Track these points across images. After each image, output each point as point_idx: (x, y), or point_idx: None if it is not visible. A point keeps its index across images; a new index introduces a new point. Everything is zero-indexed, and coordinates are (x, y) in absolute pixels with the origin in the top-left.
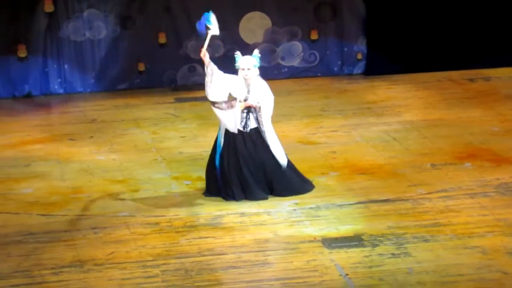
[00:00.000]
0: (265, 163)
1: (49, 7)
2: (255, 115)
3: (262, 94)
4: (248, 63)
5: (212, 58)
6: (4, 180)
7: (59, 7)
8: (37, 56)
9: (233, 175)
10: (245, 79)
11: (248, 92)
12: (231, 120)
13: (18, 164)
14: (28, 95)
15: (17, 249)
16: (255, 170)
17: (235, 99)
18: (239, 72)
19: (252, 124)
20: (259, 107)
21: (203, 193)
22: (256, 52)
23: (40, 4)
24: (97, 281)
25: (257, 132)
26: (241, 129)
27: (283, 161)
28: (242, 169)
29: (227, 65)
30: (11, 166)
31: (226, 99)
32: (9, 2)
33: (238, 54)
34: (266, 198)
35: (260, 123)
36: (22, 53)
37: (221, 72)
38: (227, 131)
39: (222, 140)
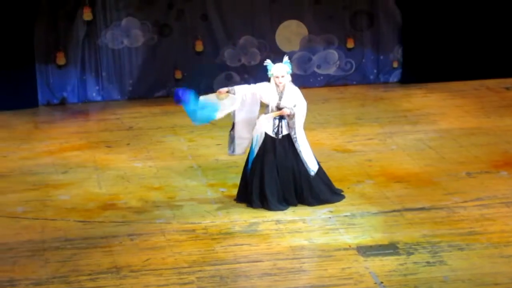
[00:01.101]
0: (295, 171)
1: (87, 16)
2: (287, 121)
3: (295, 100)
4: (282, 70)
5: (249, 66)
6: (42, 187)
7: (98, 16)
8: (76, 64)
9: (256, 182)
10: (278, 86)
11: (280, 98)
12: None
13: (56, 170)
14: (66, 102)
15: (55, 255)
16: (283, 177)
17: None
18: (273, 79)
19: (285, 131)
20: (293, 114)
21: (234, 199)
22: (286, 58)
23: (79, 13)
24: None
25: (289, 139)
26: (274, 135)
27: (313, 167)
28: (265, 177)
29: (263, 73)
30: (49, 173)
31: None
32: (48, 11)
33: (269, 62)
34: (283, 210)
35: (292, 129)
36: (61, 60)
37: (243, 95)
38: (259, 135)
39: (257, 146)
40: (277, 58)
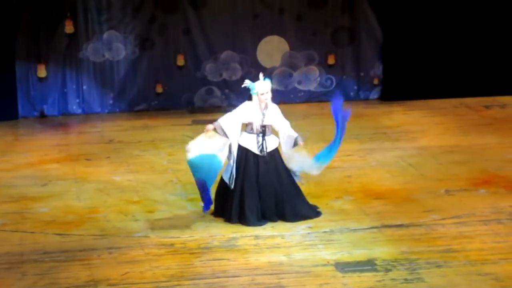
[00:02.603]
0: (276, 188)
1: (69, 28)
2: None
3: (278, 117)
4: (267, 87)
5: (230, 81)
6: (21, 199)
7: (80, 29)
8: (56, 76)
9: (236, 199)
10: (262, 103)
11: (264, 116)
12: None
13: (35, 183)
14: (47, 115)
15: (33, 268)
16: (265, 195)
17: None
18: (257, 97)
19: (269, 148)
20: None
21: (212, 213)
22: (261, 75)
23: (61, 25)
24: None
25: (271, 156)
26: (258, 153)
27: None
28: (245, 195)
29: (244, 88)
30: (28, 185)
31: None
32: (30, 23)
33: (248, 82)
34: (260, 225)
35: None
36: (42, 73)
37: (229, 124)
38: (240, 152)
39: (239, 163)
40: (258, 74)
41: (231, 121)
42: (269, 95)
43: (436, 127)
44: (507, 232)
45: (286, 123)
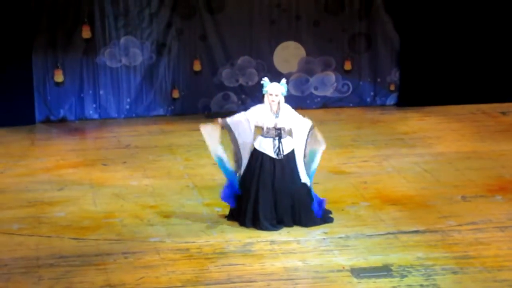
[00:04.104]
0: (293, 192)
1: (86, 34)
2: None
3: (295, 118)
4: (277, 90)
5: (246, 87)
6: (38, 204)
7: (97, 34)
8: (73, 82)
9: (250, 204)
10: (271, 105)
11: (277, 118)
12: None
13: (51, 188)
14: (64, 120)
15: (49, 272)
16: (282, 200)
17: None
18: (266, 97)
19: (286, 151)
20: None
21: (225, 217)
22: (283, 81)
23: (78, 31)
24: None
25: (287, 159)
26: (275, 156)
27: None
28: (259, 200)
29: (260, 93)
30: (45, 190)
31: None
32: (47, 28)
33: (266, 80)
34: (274, 230)
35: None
36: (59, 78)
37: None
38: (253, 155)
39: (244, 162)
40: (275, 79)
41: (237, 117)
42: (278, 98)
43: (452, 133)
44: None
45: (306, 122)
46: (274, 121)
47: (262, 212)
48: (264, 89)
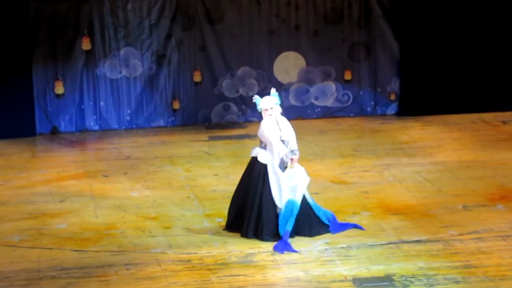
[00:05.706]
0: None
1: (86, 45)
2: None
3: (290, 131)
4: (270, 103)
5: (247, 97)
6: (39, 215)
7: (97, 45)
8: (74, 93)
9: (253, 216)
10: (271, 119)
11: (280, 130)
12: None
13: (52, 199)
14: (64, 131)
15: (50, 284)
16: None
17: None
18: (263, 113)
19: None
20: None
21: (225, 228)
22: (273, 91)
23: (78, 42)
24: None
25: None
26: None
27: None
28: (263, 212)
29: None
30: (46, 202)
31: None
32: (47, 40)
33: (257, 97)
34: (274, 241)
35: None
36: (59, 89)
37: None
38: (255, 166)
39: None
40: (277, 90)
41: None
42: (275, 110)
43: (453, 142)
44: None
45: (293, 134)
46: (279, 133)
47: (265, 223)
48: (258, 107)
